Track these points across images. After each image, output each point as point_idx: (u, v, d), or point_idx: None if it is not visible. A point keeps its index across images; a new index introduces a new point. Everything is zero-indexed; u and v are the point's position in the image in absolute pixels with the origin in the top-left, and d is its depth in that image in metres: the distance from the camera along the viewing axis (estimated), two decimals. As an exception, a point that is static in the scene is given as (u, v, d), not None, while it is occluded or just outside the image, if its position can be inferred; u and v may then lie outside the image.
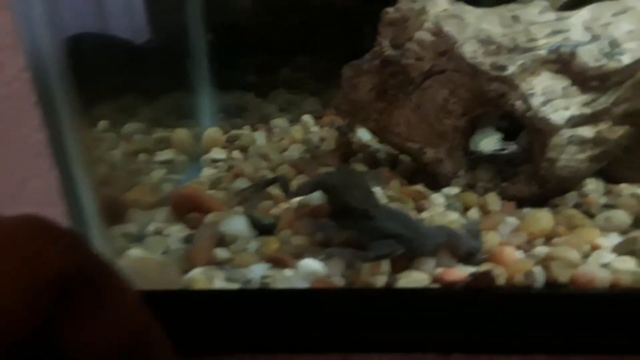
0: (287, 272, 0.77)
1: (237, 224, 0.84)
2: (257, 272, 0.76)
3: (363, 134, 1.19)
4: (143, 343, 0.54)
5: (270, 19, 1.33)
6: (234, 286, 0.75)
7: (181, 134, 1.16)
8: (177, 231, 0.87)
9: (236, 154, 1.18)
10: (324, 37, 1.29)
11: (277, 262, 0.78)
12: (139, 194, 0.94)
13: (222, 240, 0.82)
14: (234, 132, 1.26)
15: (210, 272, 0.76)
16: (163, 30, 1.14)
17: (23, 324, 0.45)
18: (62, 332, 0.48)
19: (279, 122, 1.32)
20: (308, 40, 1.32)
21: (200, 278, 0.75)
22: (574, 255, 0.74)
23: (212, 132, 1.23)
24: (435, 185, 0.96)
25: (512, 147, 1.05)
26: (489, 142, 1.08)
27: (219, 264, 0.79)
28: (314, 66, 1.33)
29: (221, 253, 0.80)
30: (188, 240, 0.83)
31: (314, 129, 1.30)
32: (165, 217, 0.91)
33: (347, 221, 0.78)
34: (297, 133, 1.23)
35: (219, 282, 0.75)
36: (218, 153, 1.18)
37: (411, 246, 0.74)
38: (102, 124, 1.24)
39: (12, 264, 0.46)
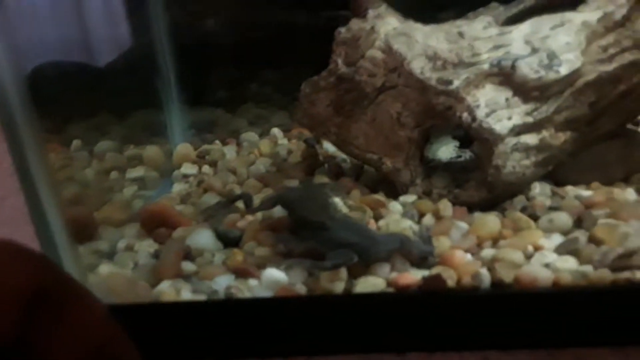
0: (252, 282, 0.80)
1: (203, 237, 0.88)
2: (222, 284, 0.80)
3: (329, 146, 1.23)
4: (109, 355, 0.58)
5: (238, 35, 1.37)
6: (201, 297, 0.79)
7: (152, 150, 1.20)
8: (147, 246, 0.90)
9: (206, 168, 1.21)
10: (291, 53, 1.34)
11: (242, 273, 0.82)
12: (110, 212, 0.98)
13: (189, 254, 0.86)
14: (205, 147, 1.29)
15: (177, 285, 0.80)
16: (130, 50, 1.18)
17: None
18: (30, 349, 0.52)
19: (249, 136, 1.36)
20: (275, 55, 1.36)
21: (168, 291, 0.79)
22: (517, 256, 0.79)
23: (183, 148, 1.27)
24: (395, 193, 1.01)
25: (467, 155, 1.10)
26: (446, 151, 1.13)
27: (186, 276, 0.82)
28: (282, 81, 1.38)
29: (188, 266, 0.84)
30: (157, 255, 0.87)
31: (283, 141, 1.34)
32: (135, 233, 0.95)
33: (305, 233, 0.83)
34: (265, 147, 1.27)
35: (186, 294, 0.79)
36: (189, 168, 1.21)
37: (366, 254, 0.79)
38: (75, 143, 1.28)
39: None
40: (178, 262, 0.83)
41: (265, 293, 0.79)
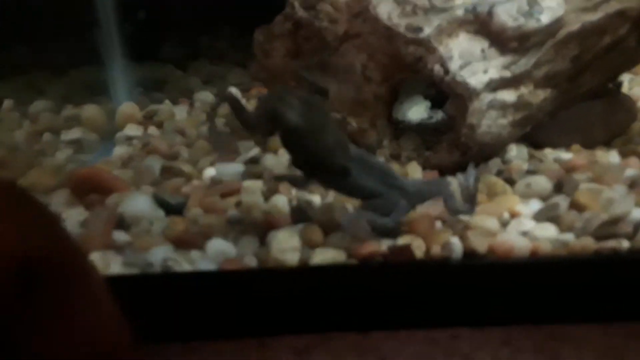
0: (194, 253, 0.72)
1: (139, 203, 0.78)
2: (158, 255, 0.70)
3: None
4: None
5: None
6: (133, 271, 0.69)
7: (91, 110, 1.08)
8: (76, 215, 0.80)
9: (153, 130, 1.10)
10: (244, 5, 1.22)
11: (183, 244, 0.73)
12: (37, 177, 0.87)
13: (123, 222, 0.76)
14: (153, 107, 1.18)
15: (107, 257, 0.70)
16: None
17: None
18: (20, 331, 0.41)
19: (203, 96, 1.25)
20: (231, 6, 1.25)
21: (96, 264, 0.69)
22: (492, 223, 0.72)
23: (127, 108, 1.14)
24: (362, 156, 0.93)
25: (438, 116, 1.02)
26: (416, 112, 1.05)
27: (118, 247, 0.73)
28: (237, 36, 1.26)
29: (121, 236, 0.74)
30: (86, 224, 0.77)
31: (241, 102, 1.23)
32: (64, 200, 0.84)
33: (314, 174, 0.66)
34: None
35: (115, 267, 0.69)
36: (133, 130, 1.10)
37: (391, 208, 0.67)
38: (7, 103, 1.16)
39: None
40: (108, 231, 0.73)
41: (210, 266, 0.70)
